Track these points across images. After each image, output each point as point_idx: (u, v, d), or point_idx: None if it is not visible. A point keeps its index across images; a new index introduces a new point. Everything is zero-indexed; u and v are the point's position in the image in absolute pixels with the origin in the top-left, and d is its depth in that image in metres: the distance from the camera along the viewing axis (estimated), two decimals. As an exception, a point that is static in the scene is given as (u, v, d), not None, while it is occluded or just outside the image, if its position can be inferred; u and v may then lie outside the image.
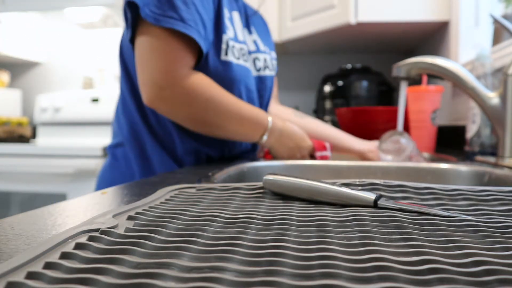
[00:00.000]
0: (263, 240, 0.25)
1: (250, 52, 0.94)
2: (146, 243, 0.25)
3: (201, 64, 0.81)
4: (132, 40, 0.79)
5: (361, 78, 1.74)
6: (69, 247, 0.24)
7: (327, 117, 1.77)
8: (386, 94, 1.76)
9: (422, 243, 0.24)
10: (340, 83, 1.75)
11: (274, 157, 0.88)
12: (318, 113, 1.83)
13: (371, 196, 0.35)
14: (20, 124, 2.25)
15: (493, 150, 1.01)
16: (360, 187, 0.43)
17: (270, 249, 0.24)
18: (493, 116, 0.78)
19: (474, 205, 0.36)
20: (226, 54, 0.83)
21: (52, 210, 0.36)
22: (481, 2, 1.39)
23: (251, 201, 0.38)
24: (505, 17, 1.26)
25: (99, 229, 0.27)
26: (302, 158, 0.89)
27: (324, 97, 1.79)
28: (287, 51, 2.10)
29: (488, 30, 1.39)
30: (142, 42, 0.76)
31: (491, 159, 0.81)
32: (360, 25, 1.54)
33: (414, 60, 0.85)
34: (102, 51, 2.45)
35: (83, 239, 0.25)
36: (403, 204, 0.34)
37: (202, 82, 0.77)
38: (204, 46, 0.78)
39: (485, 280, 0.19)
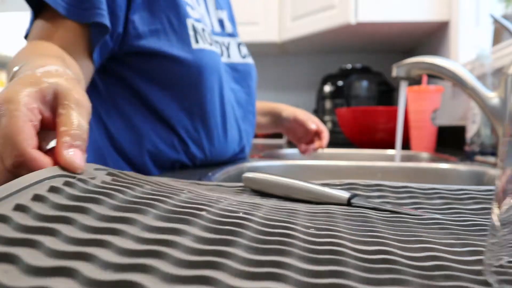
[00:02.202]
0: (230, 211, 0.26)
1: (216, 34, 0.81)
2: (118, 196, 0.25)
3: (158, 60, 0.68)
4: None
5: (361, 78, 1.73)
6: (43, 189, 0.24)
7: (327, 117, 1.77)
8: (386, 94, 1.76)
9: (385, 235, 0.25)
10: (340, 83, 1.75)
11: None
12: (318, 113, 1.83)
13: (345, 194, 0.36)
14: (20, 124, 2.25)
15: (493, 150, 1.01)
16: (339, 187, 0.44)
17: (234, 219, 0.24)
18: (493, 116, 0.78)
19: (448, 203, 0.36)
20: (197, 41, 0.71)
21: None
22: (481, 2, 1.39)
23: (229, 194, 0.38)
24: (505, 17, 1.26)
25: (75, 176, 0.27)
26: None
27: (324, 97, 1.79)
28: (287, 51, 2.10)
29: (488, 30, 1.39)
30: None
31: (491, 159, 0.81)
32: (360, 25, 1.54)
33: (414, 60, 0.85)
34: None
35: (58, 183, 0.25)
36: (376, 203, 0.35)
37: None
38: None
39: (432, 274, 0.19)
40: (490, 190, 0.40)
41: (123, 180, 0.30)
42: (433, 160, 1.02)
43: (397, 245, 0.23)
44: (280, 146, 1.50)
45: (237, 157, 0.84)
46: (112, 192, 0.25)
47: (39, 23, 0.61)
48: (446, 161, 0.79)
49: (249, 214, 0.26)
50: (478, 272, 0.20)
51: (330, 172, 0.77)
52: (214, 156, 0.76)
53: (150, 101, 0.70)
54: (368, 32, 1.68)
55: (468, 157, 0.95)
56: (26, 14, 2.42)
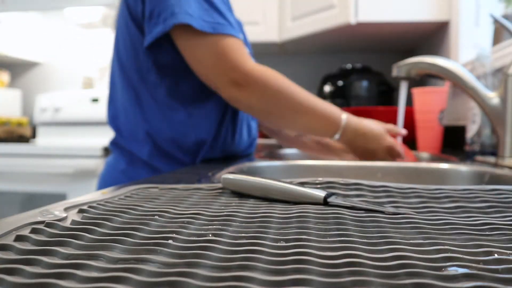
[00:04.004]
0: (198, 234, 0.26)
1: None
2: (85, 236, 0.25)
3: None
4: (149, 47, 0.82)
5: (361, 78, 1.73)
6: (9, 239, 0.24)
7: (327, 117, 1.76)
8: (386, 94, 1.76)
9: (353, 239, 0.25)
10: (340, 83, 1.74)
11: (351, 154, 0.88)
12: (318, 113, 1.83)
13: (321, 193, 0.36)
14: (20, 124, 2.25)
15: (493, 150, 1.01)
16: (319, 185, 0.44)
17: (201, 243, 0.24)
18: (493, 116, 0.78)
19: (424, 202, 0.37)
20: None
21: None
22: (481, 2, 1.39)
23: (207, 199, 0.38)
24: (505, 17, 1.26)
25: (44, 221, 0.28)
26: (380, 159, 0.86)
27: (324, 97, 1.78)
28: (287, 51, 2.10)
29: (488, 30, 1.38)
30: (202, 49, 0.79)
31: (491, 159, 0.81)
32: (360, 25, 1.54)
33: (414, 60, 0.85)
34: (102, 51, 2.44)
35: (26, 232, 0.26)
36: (352, 202, 0.35)
37: (271, 73, 0.82)
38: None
39: (395, 273, 0.20)
40: (467, 189, 0.40)
41: (93, 216, 0.30)
42: (433, 160, 1.02)
43: (364, 248, 0.23)
44: (280, 146, 1.50)
45: (248, 151, 0.98)
46: (80, 233, 0.26)
47: None
48: (446, 161, 0.79)
49: (217, 234, 0.26)
50: (442, 268, 0.20)
51: (331, 172, 0.76)
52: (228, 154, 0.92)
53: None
54: (368, 32, 1.68)
55: (468, 157, 0.95)
56: (26, 14, 2.42)
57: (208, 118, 0.87)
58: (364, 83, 1.73)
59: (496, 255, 0.22)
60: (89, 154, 1.77)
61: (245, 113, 0.87)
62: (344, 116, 0.83)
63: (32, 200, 1.85)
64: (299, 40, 1.82)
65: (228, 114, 0.89)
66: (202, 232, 0.27)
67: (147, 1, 0.80)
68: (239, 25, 1.00)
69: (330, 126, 0.83)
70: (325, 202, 0.35)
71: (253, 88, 0.80)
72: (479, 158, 0.86)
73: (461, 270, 0.20)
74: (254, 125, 1.00)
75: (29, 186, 1.83)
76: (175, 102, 0.85)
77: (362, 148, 0.85)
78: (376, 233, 0.26)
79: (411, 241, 0.25)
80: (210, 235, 0.26)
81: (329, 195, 0.36)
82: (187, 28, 0.77)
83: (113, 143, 0.91)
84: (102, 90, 2.22)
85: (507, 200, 0.37)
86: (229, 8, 0.84)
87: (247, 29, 1.15)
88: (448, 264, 0.21)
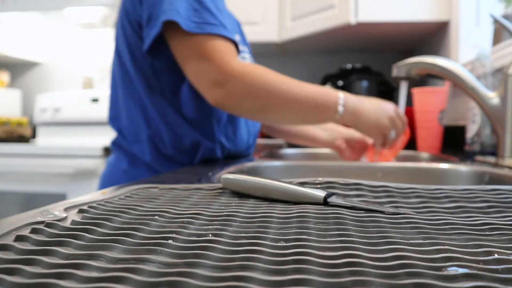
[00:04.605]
0: (198, 234, 0.26)
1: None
2: (85, 236, 0.25)
3: None
4: (150, 50, 0.80)
5: (361, 78, 1.73)
6: (9, 239, 0.24)
7: (327, 117, 1.76)
8: (386, 94, 1.75)
9: (353, 239, 0.25)
10: (340, 83, 1.75)
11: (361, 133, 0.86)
12: (318, 113, 1.83)
13: (321, 193, 0.36)
14: (20, 124, 2.25)
15: (493, 150, 1.01)
16: (319, 185, 0.44)
17: (201, 242, 0.24)
18: (493, 116, 0.78)
19: (424, 202, 0.37)
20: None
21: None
22: (481, 2, 1.39)
23: (207, 199, 0.38)
24: (505, 17, 1.26)
25: (44, 221, 0.28)
26: (385, 128, 0.83)
27: (324, 97, 1.78)
28: (287, 51, 2.10)
29: (488, 30, 1.38)
30: (188, 50, 0.77)
31: (491, 159, 0.81)
32: (360, 25, 1.54)
33: (414, 60, 0.85)
34: (102, 51, 2.44)
35: (26, 232, 0.26)
36: (352, 202, 0.35)
37: (255, 68, 0.78)
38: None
39: (395, 273, 0.20)
40: (467, 189, 0.40)
41: (93, 216, 0.30)
42: (433, 160, 1.02)
43: (364, 248, 0.23)
44: (280, 146, 1.50)
45: (247, 152, 0.96)
46: (80, 233, 0.26)
47: None
48: (447, 161, 0.79)
49: (217, 234, 0.26)
50: (442, 268, 0.20)
51: (331, 172, 0.76)
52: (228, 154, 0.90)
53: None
54: (368, 32, 1.68)
55: (468, 157, 0.95)
56: (26, 14, 2.42)
57: (206, 120, 0.85)
58: (364, 83, 1.73)
59: (496, 255, 0.22)
60: (89, 154, 1.77)
61: (236, 115, 0.83)
62: (341, 100, 0.80)
63: (32, 200, 1.85)
64: (299, 40, 1.82)
65: (226, 116, 0.88)
66: (202, 232, 0.27)
67: (144, 5, 0.79)
68: (237, 25, 0.99)
69: (326, 114, 0.80)
70: (325, 202, 0.35)
71: (236, 87, 0.75)
72: (479, 158, 0.86)
73: (461, 270, 0.20)
74: (254, 126, 0.98)
75: (29, 186, 1.83)
76: (174, 105, 0.84)
77: (366, 125, 0.84)
78: (376, 233, 0.26)
79: (411, 241, 0.25)
80: (210, 235, 0.26)
81: (329, 195, 0.36)
82: (177, 29, 0.76)
83: (115, 143, 0.91)
84: (102, 90, 2.21)
85: (507, 200, 0.37)
86: (221, 9, 0.82)
87: (247, 29, 1.15)
88: (448, 264, 0.21)
